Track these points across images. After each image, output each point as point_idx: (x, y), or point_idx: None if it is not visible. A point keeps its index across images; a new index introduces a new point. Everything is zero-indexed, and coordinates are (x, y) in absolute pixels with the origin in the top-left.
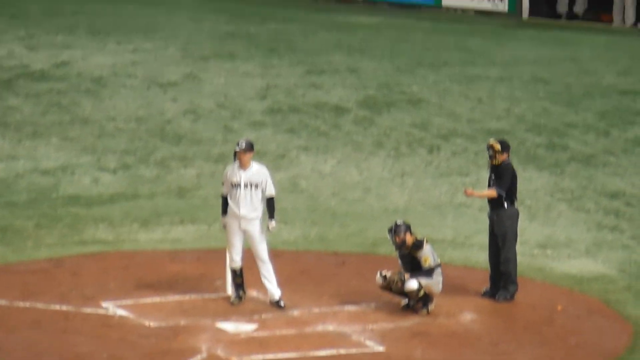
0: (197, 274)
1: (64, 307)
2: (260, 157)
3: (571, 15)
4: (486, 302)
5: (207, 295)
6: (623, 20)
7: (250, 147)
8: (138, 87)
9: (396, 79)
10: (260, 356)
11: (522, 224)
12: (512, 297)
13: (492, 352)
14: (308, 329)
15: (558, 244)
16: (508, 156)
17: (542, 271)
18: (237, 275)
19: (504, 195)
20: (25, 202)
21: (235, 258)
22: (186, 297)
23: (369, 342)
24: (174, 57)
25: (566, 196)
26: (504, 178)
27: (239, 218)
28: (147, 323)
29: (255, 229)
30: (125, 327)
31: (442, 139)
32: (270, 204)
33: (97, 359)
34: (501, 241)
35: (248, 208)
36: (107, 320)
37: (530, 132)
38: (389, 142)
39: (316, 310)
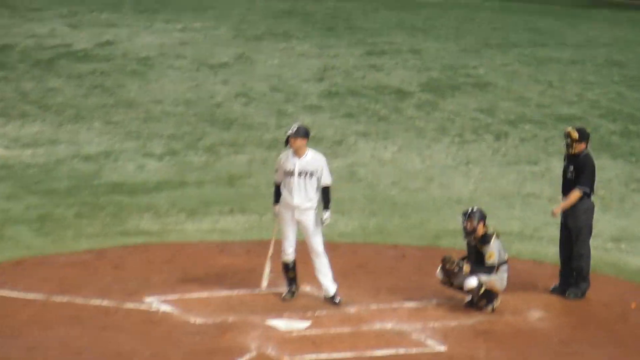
0: (246, 267)
1: (105, 302)
2: (316, 144)
3: None
4: (555, 299)
5: (257, 291)
6: None
7: (304, 133)
8: (187, 68)
9: (461, 60)
10: (314, 356)
11: (595, 215)
12: (583, 294)
13: (561, 352)
14: (364, 327)
15: (633, 238)
16: (586, 146)
17: (615, 266)
18: (290, 269)
19: (589, 192)
20: (65, 189)
21: (288, 250)
22: (234, 293)
23: (429, 341)
24: (225, 37)
25: None
26: (586, 172)
27: (292, 208)
28: (192, 319)
29: (309, 219)
30: (169, 324)
31: (509, 125)
32: (325, 193)
33: (139, 357)
34: (575, 235)
35: (302, 197)
36: (151, 317)
37: (604, 118)
38: (453, 128)
39: (373, 306)
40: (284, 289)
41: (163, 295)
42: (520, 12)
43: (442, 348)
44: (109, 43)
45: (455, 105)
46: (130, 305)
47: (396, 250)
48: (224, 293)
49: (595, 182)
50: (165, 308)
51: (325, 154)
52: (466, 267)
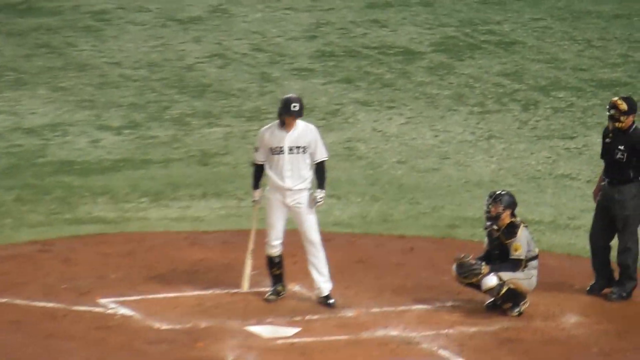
0: (222, 262)
1: (51, 304)
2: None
3: None
4: (595, 301)
5: (235, 290)
6: None
7: (302, 109)
8: (151, 24)
9: (482, 15)
10: None
11: None
12: (628, 295)
13: None
14: (365, 335)
15: None
16: (634, 119)
17: None
18: (275, 265)
19: None
20: (3, 169)
21: (274, 242)
22: (208, 293)
23: (443, 352)
24: None
25: None
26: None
27: (283, 191)
28: (157, 325)
29: (303, 203)
30: (129, 330)
31: (540, 92)
32: (320, 170)
33: None
34: (621, 225)
35: (295, 178)
36: (106, 321)
37: None
38: (473, 96)
39: (376, 309)
40: (267, 288)
41: (121, 295)
42: None
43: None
44: None
45: (474, 69)
46: (81, 307)
47: (403, 242)
48: (195, 293)
49: None
50: (124, 311)
51: (317, 127)
52: (485, 268)
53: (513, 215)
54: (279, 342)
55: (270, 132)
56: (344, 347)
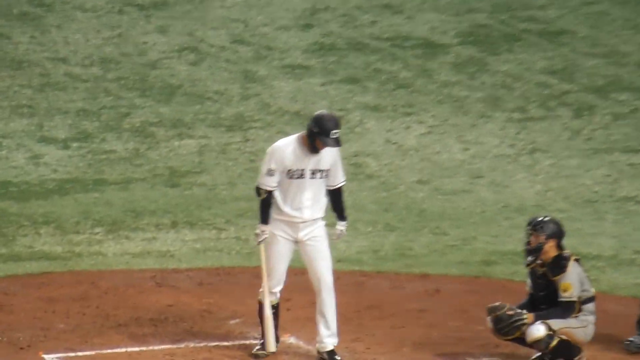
0: (198, 308)
1: None
2: (302, 123)
3: None
4: None
5: (214, 343)
6: None
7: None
8: (104, 9)
9: None
10: None
11: None
12: None
13: None
14: None
15: None
16: None
17: None
18: (272, 314)
19: None
20: None
21: (275, 287)
22: (181, 347)
23: None
24: None
25: None
26: None
27: (295, 224)
28: None
29: (319, 236)
30: None
31: (596, 94)
32: (338, 196)
33: None
34: None
35: (314, 208)
36: None
37: None
38: (511, 99)
39: None
40: (255, 340)
41: (71, 350)
42: None
43: None
44: None
45: (513, 65)
46: None
47: (426, 283)
48: (163, 347)
49: None
50: None
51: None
52: (529, 315)
53: (560, 247)
54: None
55: (290, 151)
56: None
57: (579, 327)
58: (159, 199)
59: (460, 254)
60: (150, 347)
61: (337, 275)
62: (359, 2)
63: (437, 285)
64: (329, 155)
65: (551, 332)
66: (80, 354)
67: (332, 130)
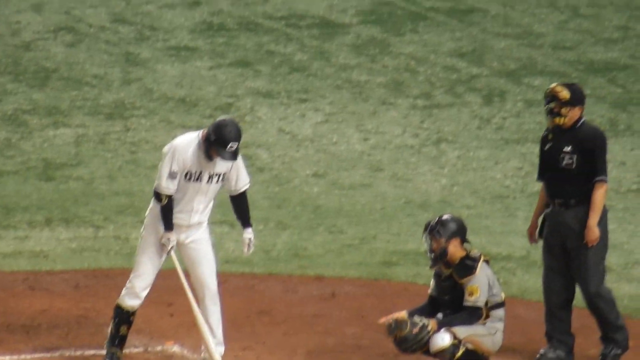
0: (74, 313)
1: None
2: (189, 110)
3: None
4: None
5: (91, 352)
6: None
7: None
8: None
9: None
10: None
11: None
12: (624, 349)
13: None
14: None
15: None
16: (582, 112)
17: None
18: (127, 323)
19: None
20: None
21: (142, 292)
22: (55, 355)
23: None
24: None
25: None
26: (598, 153)
27: (181, 228)
28: None
29: (202, 238)
30: None
31: (508, 79)
32: (242, 201)
33: None
34: (583, 261)
35: (204, 212)
36: None
37: None
38: (416, 84)
39: None
40: (135, 348)
41: None
42: None
43: None
44: None
45: (418, 47)
46: None
47: (321, 286)
48: (37, 356)
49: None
50: None
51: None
52: (432, 324)
53: (464, 243)
54: None
55: (192, 152)
56: None
57: (486, 335)
58: (32, 194)
59: (358, 254)
60: (22, 356)
61: (225, 278)
62: None
63: (333, 289)
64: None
65: (456, 342)
66: None
67: (230, 142)
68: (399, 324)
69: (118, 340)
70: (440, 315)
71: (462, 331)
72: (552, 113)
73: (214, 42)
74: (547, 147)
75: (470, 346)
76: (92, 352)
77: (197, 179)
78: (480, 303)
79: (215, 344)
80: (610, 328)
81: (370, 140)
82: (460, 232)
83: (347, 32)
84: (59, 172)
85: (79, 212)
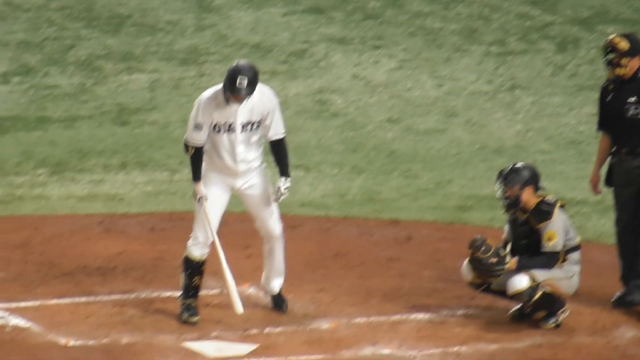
0: (150, 256)
1: None
2: (264, 57)
3: None
4: None
5: (167, 294)
6: None
7: (252, 84)
8: None
9: None
10: None
11: None
12: None
13: None
14: (346, 354)
15: None
16: None
17: None
18: (198, 273)
19: None
20: None
21: (205, 242)
22: (131, 297)
23: None
24: None
25: None
26: None
27: (232, 177)
28: (63, 340)
29: (258, 184)
30: (25, 347)
31: (581, 27)
32: (278, 149)
33: None
34: None
35: (247, 160)
36: None
37: None
38: (489, 32)
39: (360, 320)
40: (212, 290)
41: (13, 300)
42: None
43: None
44: None
45: None
46: None
47: (397, 230)
48: (113, 298)
49: None
50: (17, 322)
51: (275, 83)
52: (511, 261)
53: (537, 190)
54: None
55: (214, 103)
56: None
57: (563, 279)
58: (107, 138)
59: (433, 199)
60: (99, 298)
61: (301, 221)
62: None
63: (408, 232)
64: (265, 104)
65: (534, 284)
66: (22, 304)
67: (238, 75)
68: (483, 245)
69: (192, 291)
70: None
71: (540, 275)
72: (611, 64)
73: None
74: (609, 98)
75: (547, 289)
76: (168, 294)
77: (230, 130)
78: (558, 248)
79: (275, 278)
80: None
81: (444, 87)
82: (534, 179)
83: None
84: (134, 116)
85: (154, 156)
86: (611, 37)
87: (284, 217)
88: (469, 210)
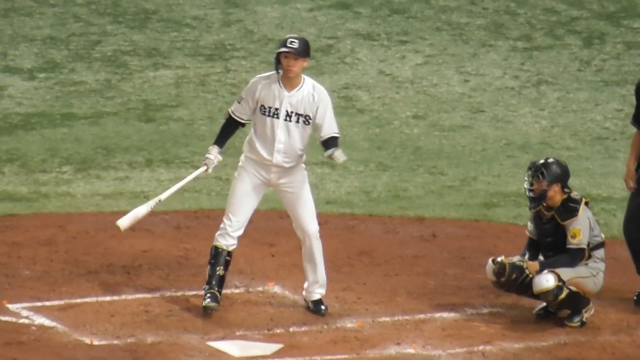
0: (175, 254)
1: None
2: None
3: None
4: None
5: (192, 293)
6: None
7: (306, 49)
8: None
9: None
10: None
11: None
12: None
13: None
14: (371, 353)
15: None
16: None
17: None
18: (224, 264)
19: None
20: None
21: (233, 232)
22: (156, 296)
23: None
24: None
25: None
26: None
27: (268, 166)
28: (87, 340)
29: (295, 183)
30: (49, 346)
31: (608, 21)
32: (332, 144)
33: None
34: None
35: (287, 153)
36: (18, 335)
37: None
38: (516, 26)
39: (385, 319)
40: (237, 289)
41: (38, 300)
42: None
43: None
44: None
45: None
46: None
47: (422, 228)
48: (138, 296)
49: None
50: (42, 321)
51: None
52: (531, 266)
53: (564, 190)
54: None
55: (266, 84)
56: None
57: (589, 277)
58: (133, 135)
59: (459, 196)
60: (123, 297)
61: (326, 219)
62: None
63: (433, 230)
64: (316, 102)
65: (560, 283)
66: (47, 303)
67: (289, 38)
68: (503, 269)
69: (215, 281)
70: (541, 258)
71: (566, 273)
72: None
73: None
74: None
75: (573, 288)
76: (192, 292)
77: (274, 115)
78: (583, 245)
79: (316, 284)
80: None
81: (470, 82)
82: (563, 178)
83: None
84: (159, 113)
85: (180, 153)
86: None
87: None
88: (494, 208)
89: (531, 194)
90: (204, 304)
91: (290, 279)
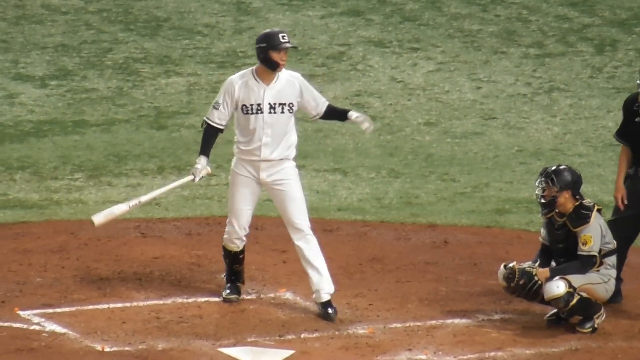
0: (186, 261)
1: None
2: (301, 59)
3: None
4: None
5: (204, 299)
6: None
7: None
8: None
9: None
10: None
11: None
12: None
13: None
14: (382, 359)
15: None
16: None
17: None
18: (238, 261)
19: None
20: None
21: (238, 232)
22: (168, 302)
23: None
24: None
25: None
26: None
27: (256, 164)
28: (99, 346)
29: (286, 178)
30: (60, 353)
31: (619, 28)
32: (333, 112)
33: None
34: None
35: (274, 147)
36: (29, 342)
37: None
38: (527, 34)
39: (397, 325)
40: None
41: (50, 306)
42: None
43: None
44: None
45: None
46: None
47: (434, 234)
48: (149, 303)
49: None
50: (53, 327)
51: (312, 76)
52: (541, 273)
53: (575, 197)
54: None
55: (242, 84)
56: None
57: (600, 283)
58: (144, 142)
59: (470, 202)
60: (135, 303)
61: (337, 225)
62: None
63: (445, 236)
64: (295, 86)
65: (571, 290)
66: (58, 310)
67: (280, 32)
68: (513, 275)
69: (234, 276)
70: (553, 264)
71: (577, 279)
72: None
73: None
74: (638, 119)
75: (584, 295)
76: (204, 299)
77: (257, 111)
78: (594, 252)
79: (323, 282)
80: None
81: (482, 89)
82: (574, 185)
83: None
84: (171, 120)
85: (191, 160)
86: None
87: (320, 222)
88: (506, 214)
89: (542, 200)
90: (223, 295)
91: (301, 285)
